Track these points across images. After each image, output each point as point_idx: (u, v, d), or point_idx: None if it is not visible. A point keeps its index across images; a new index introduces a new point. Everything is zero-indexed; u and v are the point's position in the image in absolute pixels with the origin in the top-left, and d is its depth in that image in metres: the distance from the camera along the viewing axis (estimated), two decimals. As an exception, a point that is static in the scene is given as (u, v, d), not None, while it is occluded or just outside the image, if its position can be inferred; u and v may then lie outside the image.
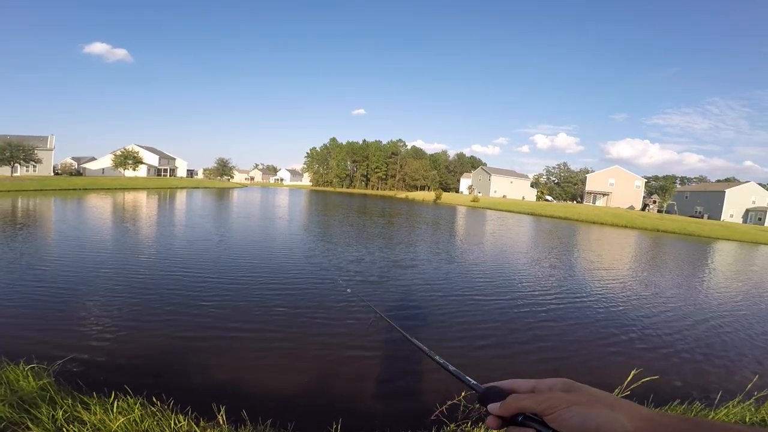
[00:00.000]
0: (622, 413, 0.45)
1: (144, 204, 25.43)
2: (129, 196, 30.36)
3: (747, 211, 62.55)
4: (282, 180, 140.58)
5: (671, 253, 19.63)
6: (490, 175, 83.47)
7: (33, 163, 47.09)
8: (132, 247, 10.39)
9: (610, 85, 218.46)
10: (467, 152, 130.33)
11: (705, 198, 67.99)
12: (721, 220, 59.17)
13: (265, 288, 7.16)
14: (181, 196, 34.45)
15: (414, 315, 6.40)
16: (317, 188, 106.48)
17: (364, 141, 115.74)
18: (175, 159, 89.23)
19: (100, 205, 22.17)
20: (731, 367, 5.08)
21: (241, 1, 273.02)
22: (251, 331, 5.18)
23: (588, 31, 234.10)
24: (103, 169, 67.61)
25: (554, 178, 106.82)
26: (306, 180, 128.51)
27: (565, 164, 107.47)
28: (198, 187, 57.49)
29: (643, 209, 69.20)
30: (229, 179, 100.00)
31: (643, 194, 74.44)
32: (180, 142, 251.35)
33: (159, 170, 79.43)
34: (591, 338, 5.86)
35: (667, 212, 67.51)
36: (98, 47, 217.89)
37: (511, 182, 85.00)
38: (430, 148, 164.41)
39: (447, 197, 71.64)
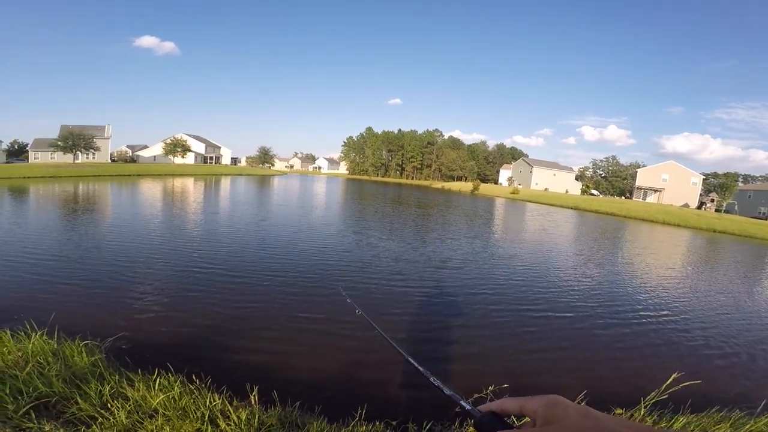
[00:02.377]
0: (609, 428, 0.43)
1: (191, 190, 26.93)
2: (178, 182, 32.30)
3: (822, 213, 56.25)
4: (320, 168, 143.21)
5: (727, 256, 18.09)
6: (532, 166, 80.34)
7: (92, 150, 51.21)
8: (181, 232, 11.09)
9: (664, 77, 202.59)
10: (508, 143, 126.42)
11: (773, 197, 61.67)
12: (792, 221, 53.53)
13: (302, 278, 7.39)
14: (225, 183, 36.19)
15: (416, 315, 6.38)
16: (353, 177, 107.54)
17: (400, 130, 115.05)
18: (220, 147, 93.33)
19: (151, 190, 23.76)
20: None
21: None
22: (287, 318, 5.39)
23: (638, 20, 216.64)
24: (155, 157, 72.00)
25: (601, 172, 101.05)
26: (343, 168, 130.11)
27: (614, 157, 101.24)
28: (241, 174, 60.19)
29: (699, 207, 64.13)
30: (270, 167, 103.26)
31: (700, 192, 68.84)
32: (225, 131, 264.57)
33: (205, 158, 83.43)
34: (635, 340, 5.58)
35: (727, 212, 62.01)
36: (147, 40, 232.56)
37: (554, 175, 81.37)
38: (469, 138, 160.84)
39: (485, 188, 69.87)
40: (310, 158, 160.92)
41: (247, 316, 5.33)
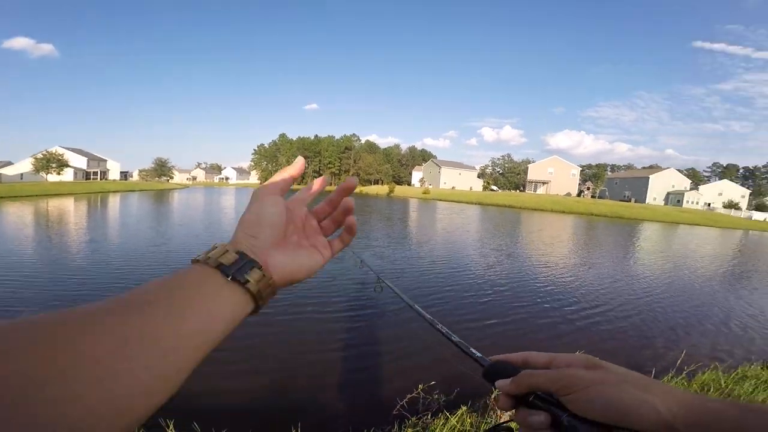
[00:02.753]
0: (655, 396, 0.39)
1: (70, 213, 22.83)
2: (53, 204, 27.07)
3: (668, 194, 69.89)
4: (227, 179, 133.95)
5: (603, 236, 21.29)
6: (440, 167, 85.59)
7: None
8: (53, 271, 9.14)
9: (550, 80, 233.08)
10: (419, 145, 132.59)
11: (632, 184, 74.88)
12: (646, 203, 65.53)
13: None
14: (113, 202, 31.40)
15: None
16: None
17: (316, 136, 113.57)
18: (106, 161, 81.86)
19: (13, 217, 19.55)
20: (663, 344, 5.45)
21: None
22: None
23: (529, 28, 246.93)
24: (22, 175, 60.22)
25: (499, 169, 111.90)
26: (254, 178, 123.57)
27: (508, 155, 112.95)
28: (133, 190, 52.63)
29: (578, 195, 74.67)
30: (168, 180, 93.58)
31: (578, 181, 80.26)
32: (112, 142, 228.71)
33: (88, 173, 72.53)
34: (539, 325, 6.07)
35: (600, 197, 73.51)
36: (20, 42, 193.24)
37: (460, 174, 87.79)
38: (384, 142, 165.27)
39: (400, 190, 72.44)
40: (216, 168, 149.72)
41: None
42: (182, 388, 2.43)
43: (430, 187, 77.38)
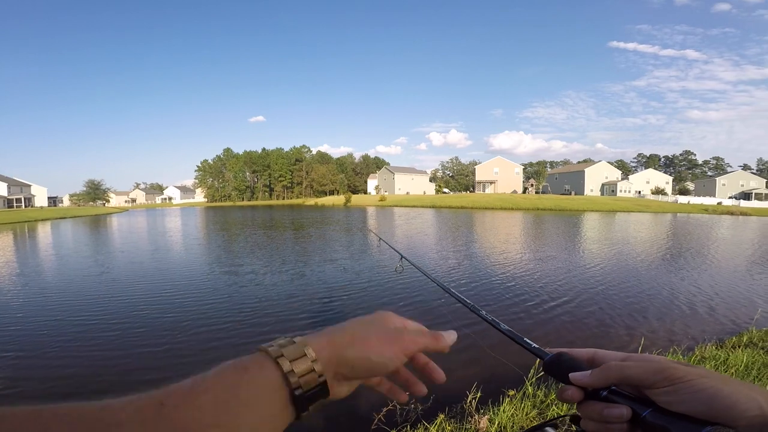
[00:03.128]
0: (759, 394, 0.38)
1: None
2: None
3: (603, 185, 75.80)
4: (171, 199, 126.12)
5: (553, 229, 22.45)
6: (394, 174, 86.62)
7: None
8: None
9: (487, 84, 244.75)
10: (372, 153, 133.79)
11: (570, 178, 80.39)
12: (585, 194, 70.56)
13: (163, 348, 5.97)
14: (42, 231, 28.02)
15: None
16: (214, 204, 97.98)
17: (264, 149, 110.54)
18: (30, 186, 73.88)
19: None
20: (623, 331, 5.62)
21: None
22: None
23: (467, 32, 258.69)
24: None
25: (449, 172, 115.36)
26: (200, 196, 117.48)
27: (456, 158, 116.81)
28: (65, 217, 47.44)
29: (523, 192, 78.76)
30: (104, 204, 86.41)
31: (522, 179, 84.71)
32: (37, 165, 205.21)
33: (9, 201, 65.08)
34: (505, 321, 6.10)
35: (543, 193, 78.14)
36: None
37: (413, 179, 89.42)
38: (337, 152, 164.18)
39: (356, 199, 72.28)
40: (157, 188, 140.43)
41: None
42: None
43: (386, 194, 77.94)
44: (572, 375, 0.47)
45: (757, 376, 3.28)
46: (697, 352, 4.13)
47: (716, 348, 4.29)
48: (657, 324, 5.89)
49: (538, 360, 0.52)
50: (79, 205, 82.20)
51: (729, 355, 3.80)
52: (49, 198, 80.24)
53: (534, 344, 0.55)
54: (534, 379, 3.36)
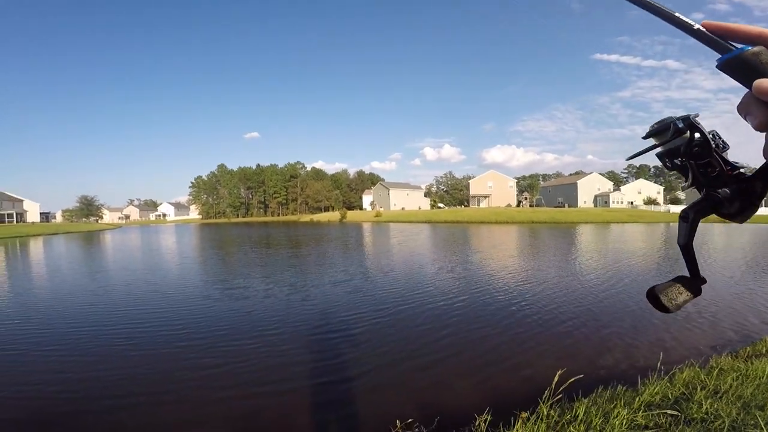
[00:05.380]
0: None
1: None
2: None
3: (595, 197, 76.49)
4: (165, 216, 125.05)
5: (549, 243, 22.36)
6: (389, 189, 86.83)
7: None
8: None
9: (477, 97, 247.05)
10: (367, 169, 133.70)
11: (563, 190, 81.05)
12: (578, 206, 70.98)
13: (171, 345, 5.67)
14: (35, 247, 27.26)
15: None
16: (209, 221, 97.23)
17: (258, 166, 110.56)
18: (22, 201, 73.00)
19: None
20: (642, 343, 5.43)
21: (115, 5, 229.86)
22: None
23: (454, 48, 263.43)
24: None
25: (443, 187, 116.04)
26: (194, 213, 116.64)
27: (450, 173, 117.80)
28: (57, 233, 46.53)
29: (518, 205, 79.18)
30: (97, 220, 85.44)
31: (516, 192, 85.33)
32: (29, 180, 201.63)
33: (1, 216, 64.23)
34: (512, 340, 5.88)
35: (537, 206, 78.51)
36: None
37: (408, 194, 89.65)
38: (332, 168, 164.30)
39: (352, 215, 72.10)
40: (151, 205, 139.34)
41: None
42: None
43: (381, 209, 77.86)
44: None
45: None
46: (713, 363, 3.94)
47: (732, 359, 4.10)
48: (669, 336, 5.70)
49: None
50: (72, 221, 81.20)
51: (749, 366, 3.61)
52: (41, 213, 79.21)
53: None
54: (549, 401, 3.12)
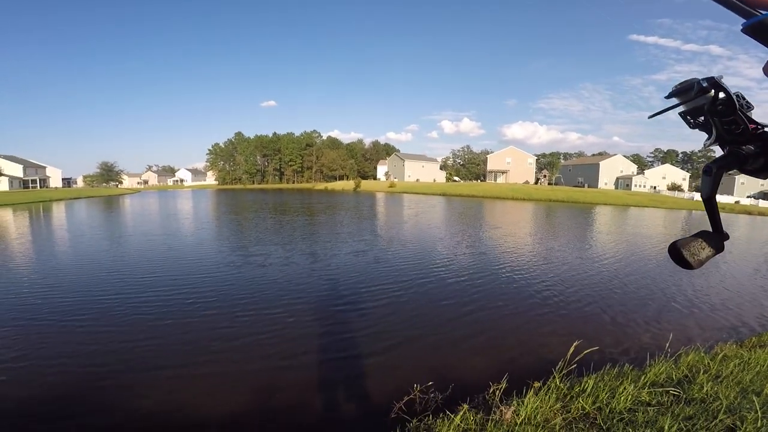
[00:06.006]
0: None
1: (11, 225, 20.67)
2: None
3: (617, 179, 74.43)
4: (182, 181, 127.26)
5: (567, 223, 22.24)
6: (404, 160, 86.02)
7: None
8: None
9: (501, 73, 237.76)
10: (382, 140, 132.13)
11: (584, 170, 79.01)
12: (599, 188, 69.38)
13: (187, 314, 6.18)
14: (58, 211, 28.73)
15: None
16: (225, 187, 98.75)
17: (275, 134, 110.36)
18: (45, 168, 75.34)
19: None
20: (651, 326, 5.70)
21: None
22: (174, 358, 4.35)
23: (480, 20, 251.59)
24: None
25: (460, 161, 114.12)
26: (211, 179, 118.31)
27: (468, 147, 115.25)
28: (79, 197, 48.15)
29: (536, 183, 77.74)
30: (117, 185, 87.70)
31: (534, 170, 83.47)
32: (52, 147, 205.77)
33: (25, 182, 66.71)
34: (526, 317, 6.17)
35: (556, 184, 77.01)
36: None
37: (423, 166, 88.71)
38: (347, 137, 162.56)
39: (366, 185, 72.16)
40: (169, 171, 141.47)
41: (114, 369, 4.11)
42: (160, 412, 2.13)
43: (396, 180, 77.61)
44: None
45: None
46: (718, 350, 4.15)
47: (737, 347, 4.30)
48: (679, 321, 5.91)
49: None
50: (92, 186, 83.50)
51: (752, 355, 3.82)
52: (63, 179, 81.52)
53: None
54: (561, 372, 3.40)
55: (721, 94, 0.57)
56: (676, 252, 0.60)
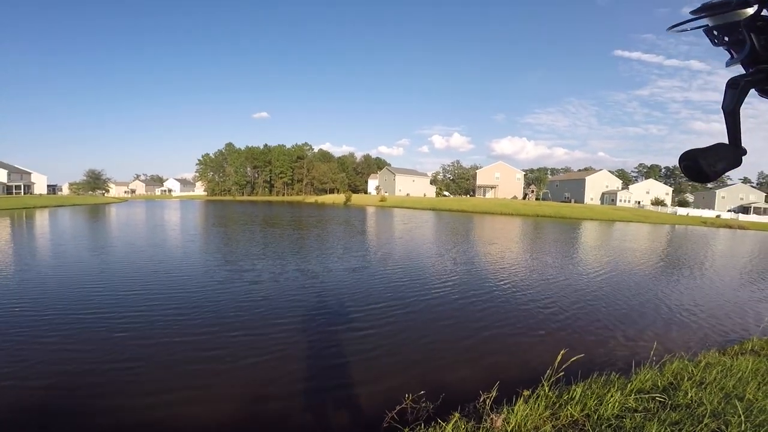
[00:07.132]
0: None
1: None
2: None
3: (603, 194, 75.99)
4: (170, 191, 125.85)
5: (555, 237, 22.58)
6: (395, 175, 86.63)
7: None
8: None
9: (489, 88, 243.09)
10: (374, 153, 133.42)
11: (571, 185, 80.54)
12: (585, 203, 70.72)
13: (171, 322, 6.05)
14: (41, 219, 27.99)
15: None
16: (214, 198, 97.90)
17: (266, 145, 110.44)
18: (30, 173, 73.83)
19: None
20: (636, 336, 5.81)
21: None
22: (154, 360, 4.23)
23: (469, 36, 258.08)
24: None
25: (450, 175, 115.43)
26: (199, 189, 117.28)
27: (457, 162, 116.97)
28: (63, 205, 47.22)
29: (524, 198, 78.89)
30: (103, 193, 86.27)
31: (523, 185, 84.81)
32: (37, 154, 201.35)
33: (8, 187, 65.22)
34: (514, 326, 6.22)
35: (543, 199, 78.23)
36: None
37: (413, 181, 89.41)
38: (339, 150, 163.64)
39: (357, 198, 72.29)
40: (157, 180, 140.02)
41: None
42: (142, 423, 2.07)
43: (386, 194, 77.96)
44: None
45: (762, 381, 3.39)
46: (701, 358, 4.24)
47: (720, 354, 4.40)
48: (662, 330, 6.02)
49: None
50: (78, 194, 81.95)
51: (734, 362, 3.91)
52: (48, 186, 79.99)
53: None
54: (550, 380, 3.43)
55: (765, 11, 0.54)
56: (691, 160, 0.55)
